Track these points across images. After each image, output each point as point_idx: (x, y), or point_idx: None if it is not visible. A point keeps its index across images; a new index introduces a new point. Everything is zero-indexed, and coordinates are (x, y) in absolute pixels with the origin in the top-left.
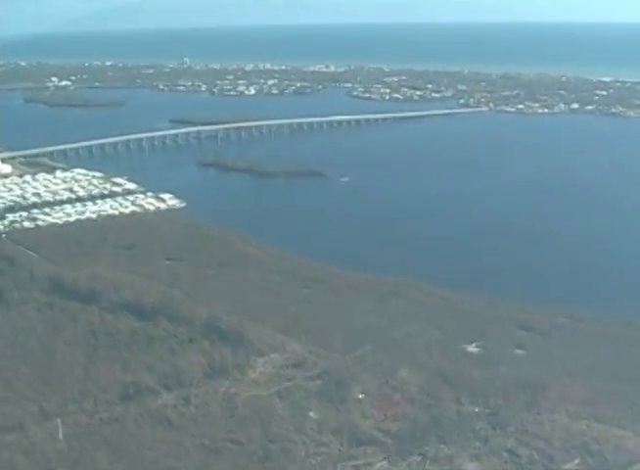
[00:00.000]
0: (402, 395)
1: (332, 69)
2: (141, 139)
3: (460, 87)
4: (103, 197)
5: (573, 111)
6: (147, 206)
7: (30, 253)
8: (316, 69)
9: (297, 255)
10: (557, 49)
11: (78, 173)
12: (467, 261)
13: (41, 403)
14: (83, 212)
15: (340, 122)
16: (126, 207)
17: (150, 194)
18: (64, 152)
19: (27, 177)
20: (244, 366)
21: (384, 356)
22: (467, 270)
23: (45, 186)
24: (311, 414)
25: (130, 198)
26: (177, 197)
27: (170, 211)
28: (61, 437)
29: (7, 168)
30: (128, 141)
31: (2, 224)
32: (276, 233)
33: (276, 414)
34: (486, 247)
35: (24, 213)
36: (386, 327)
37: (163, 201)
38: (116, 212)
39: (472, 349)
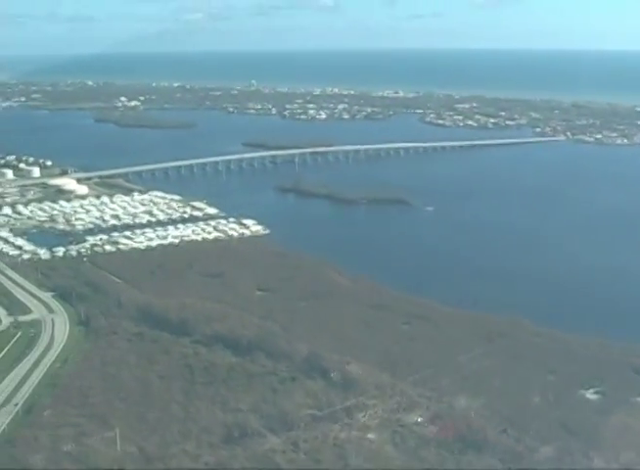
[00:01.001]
0: (526, 447)
1: (401, 94)
2: (217, 162)
3: (534, 115)
4: (183, 221)
5: None
6: (230, 231)
7: (114, 278)
8: (385, 94)
9: (390, 287)
10: (624, 78)
11: (156, 196)
12: (568, 298)
13: (140, 444)
14: (165, 237)
15: (416, 149)
16: (209, 232)
17: (232, 219)
18: (139, 174)
19: (105, 199)
20: (352, 409)
21: (499, 404)
22: (570, 307)
23: (123, 208)
24: (428, 464)
25: (212, 223)
26: (260, 223)
27: (254, 237)
28: None
29: (83, 189)
30: (204, 164)
31: (83, 247)
32: (365, 263)
33: (390, 463)
34: (585, 282)
35: (105, 236)
36: (497, 372)
37: (247, 227)
38: (199, 238)
39: (590, 395)
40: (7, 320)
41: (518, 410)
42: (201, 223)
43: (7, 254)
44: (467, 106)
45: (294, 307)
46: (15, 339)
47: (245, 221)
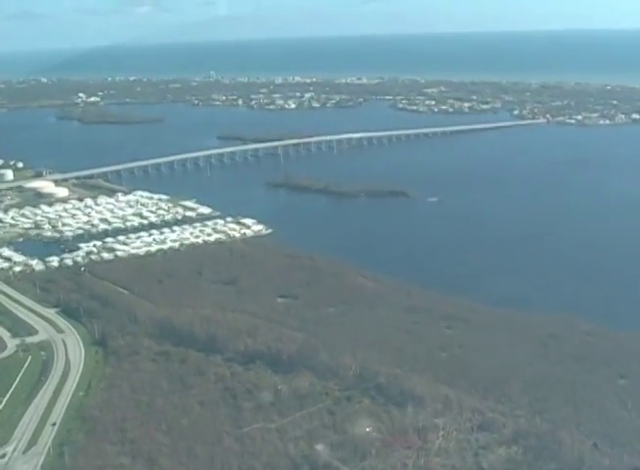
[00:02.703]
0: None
1: (364, 81)
2: (197, 158)
3: (506, 98)
4: (177, 223)
5: (636, 121)
6: (230, 232)
7: (119, 289)
8: (348, 81)
9: (418, 287)
10: (582, 57)
11: (142, 196)
12: (603, 290)
13: None
14: (163, 241)
15: (399, 137)
16: (208, 234)
17: (229, 219)
18: (118, 173)
19: (89, 201)
20: (423, 430)
21: (578, 415)
22: (607, 300)
23: (110, 211)
24: None
25: (209, 224)
26: (260, 222)
27: (257, 238)
28: None
29: (63, 192)
30: (184, 160)
31: (78, 256)
32: (380, 262)
33: None
34: (616, 272)
35: (98, 243)
36: (562, 378)
37: (247, 227)
38: (200, 241)
39: None
40: (12, 343)
41: (600, 421)
42: (197, 224)
43: None
44: (435, 90)
45: (323, 315)
46: (26, 365)
47: (244, 221)
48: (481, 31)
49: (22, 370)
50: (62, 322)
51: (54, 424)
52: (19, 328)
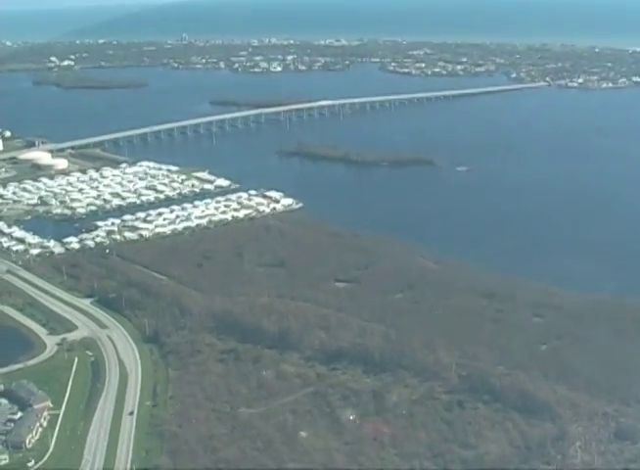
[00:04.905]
0: None
1: (344, 43)
2: (197, 125)
3: (498, 60)
4: (197, 197)
5: (638, 84)
6: (259, 207)
7: (156, 275)
8: (327, 43)
9: (483, 268)
10: (559, 18)
11: (149, 167)
12: None
13: None
14: (188, 218)
15: (401, 101)
16: (235, 209)
17: (252, 192)
18: (115, 142)
19: (93, 173)
20: (555, 440)
21: None
22: None
23: (120, 184)
24: None
25: (232, 197)
26: (287, 195)
27: (289, 213)
28: None
29: (62, 163)
30: (184, 127)
31: (99, 236)
32: (430, 238)
33: None
34: None
35: (117, 221)
36: None
37: (276, 201)
38: (228, 217)
39: None
40: (51, 341)
41: None
42: (220, 198)
43: (10, 249)
44: (421, 53)
45: (392, 303)
46: (74, 368)
47: (269, 194)
48: None
49: (72, 375)
50: (102, 315)
51: (128, 444)
52: (54, 323)
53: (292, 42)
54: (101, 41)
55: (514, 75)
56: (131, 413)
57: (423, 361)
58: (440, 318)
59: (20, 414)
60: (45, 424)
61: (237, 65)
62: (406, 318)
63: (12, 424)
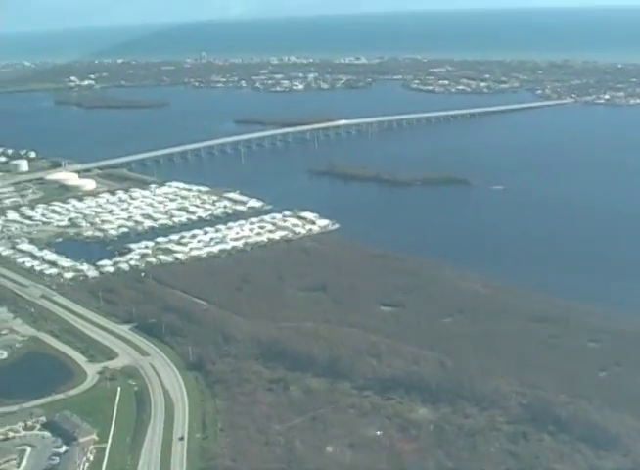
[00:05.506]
0: None
1: (364, 60)
2: (224, 144)
3: (521, 77)
4: (230, 218)
5: None
6: (295, 228)
7: (196, 300)
8: (348, 61)
9: (531, 291)
10: (577, 34)
11: (179, 188)
12: None
13: None
14: (223, 240)
15: (428, 119)
16: (270, 230)
17: (287, 213)
18: (142, 162)
19: (122, 194)
20: None
21: None
22: None
23: (151, 205)
24: None
25: (267, 219)
26: (322, 216)
27: (326, 234)
28: None
29: (90, 184)
30: (211, 147)
31: (132, 259)
32: (473, 260)
33: None
34: None
35: (150, 243)
36: None
37: (312, 222)
38: (264, 239)
39: None
40: (92, 370)
41: None
42: (254, 220)
43: (42, 272)
44: (442, 70)
45: (442, 328)
46: (117, 398)
47: (304, 215)
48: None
49: (116, 405)
50: (142, 342)
51: None
52: (94, 350)
53: (311, 60)
54: (120, 61)
55: (539, 92)
56: (181, 445)
57: (481, 390)
58: (494, 344)
59: (64, 448)
60: (92, 458)
61: (258, 83)
62: (458, 344)
63: (57, 459)
